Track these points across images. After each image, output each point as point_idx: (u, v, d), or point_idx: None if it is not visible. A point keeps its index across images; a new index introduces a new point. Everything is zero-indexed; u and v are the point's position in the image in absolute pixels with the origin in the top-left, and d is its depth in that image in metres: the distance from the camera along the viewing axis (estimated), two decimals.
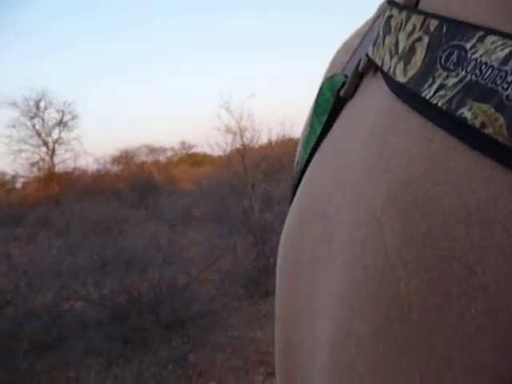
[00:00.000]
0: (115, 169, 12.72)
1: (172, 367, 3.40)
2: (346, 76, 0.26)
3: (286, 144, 10.57)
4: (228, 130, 6.71)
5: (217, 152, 8.08)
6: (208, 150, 11.56)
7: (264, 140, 8.21)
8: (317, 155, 0.27)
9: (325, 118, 0.26)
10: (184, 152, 17.20)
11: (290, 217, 0.28)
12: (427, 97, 0.17)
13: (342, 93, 0.25)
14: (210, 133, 13.26)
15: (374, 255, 0.17)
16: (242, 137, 6.71)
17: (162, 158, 14.43)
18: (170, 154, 15.55)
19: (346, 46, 0.31)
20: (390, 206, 0.17)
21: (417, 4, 0.21)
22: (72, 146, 12.37)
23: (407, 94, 0.18)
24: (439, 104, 0.16)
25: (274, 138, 8.57)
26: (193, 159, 16.71)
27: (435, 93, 0.17)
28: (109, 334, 3.62)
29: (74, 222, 6.72)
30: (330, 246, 0.21)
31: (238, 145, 7.18)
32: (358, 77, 0.24)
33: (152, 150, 13.81)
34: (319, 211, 0.23)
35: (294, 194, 0.31)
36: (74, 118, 12.53)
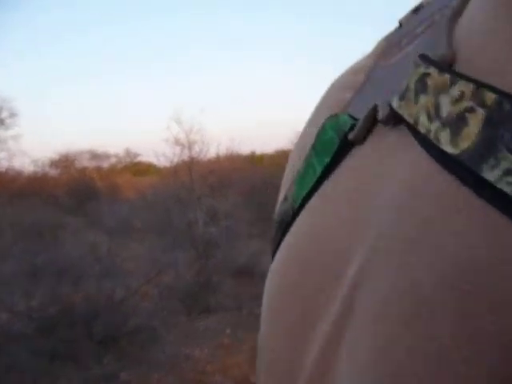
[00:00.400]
0: (53, 172, 12.11)
1: None
2: (352, 117, 0.25)
3: (235, 159, 10.61)
4: (177, 142, 6.62)
5: (163, 163, 7.93)
6: (153, 160, 11.34)
7: (212, 154, 8.18)
8: (319, 199, 0.25)
9: (327, 158, 0.25)
10: (128, 160, 16.75)
11: (284, 257, 0.26)
12: (490, 179, 0.16)
13: (350, 136, 0.24)
14: (157, 143, 13.02)
15: (423, 342, 0.16)
16: (190, 149, 6.64)
17: (104, 165, 13.95)
18: (113, 160, 15.07)
19: (342, 81, 0.30)
20: (446, 291, 0.16)
21: (451, 63, 0.20)
22: (8, 145, 11.63)
23: (459, 168, 0.17)
24: (509, 192, 0.15)
25: (222, 152, 8.56)
26: (137, 168, 16.29)
27: (501, 177, 0.16)
28: (35, 349, 3.38)
29: (5, 225, 6.29)
30: (349, 313, 0.19)
31: (185, 157, 7.10)
32: (371, 123, 0.23)
33: (94, 155, 13.30)
34: (332, 268, 0.21)
35: (282, 230, 0.29)
36: (12, 115, 11.82)
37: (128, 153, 15.76)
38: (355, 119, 0.25)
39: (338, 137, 0.25)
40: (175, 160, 7.06)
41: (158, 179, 10.61)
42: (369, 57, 0.29)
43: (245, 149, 17.78)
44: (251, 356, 3.57)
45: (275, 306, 0.25)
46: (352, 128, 0.24)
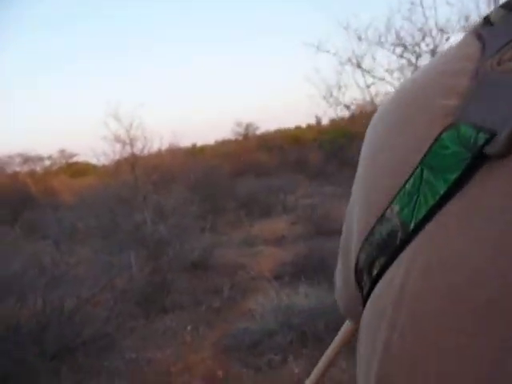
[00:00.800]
0: None
1: None
2: (477, 128, 0.23)
3: (177, 153, 10.41)
4: (117, 138, 6.36)
5: (102, 161, 7.60)
6: (91, 159, 10.85)
7: (155, 149, 7.94)
8: (448, 219, 0.23)
9: (453, 175, 0.23)
10: (64, 161, 15.92)
11: (428, 284, 0.23)
12: None
13: (489, 151, 0.22)
14: (95, 142, 12.47)
15: None
16: (132, 146, 6.40)
17: (38, 168, 13.18)
18: (47, 163, 14.27)
19: (438, 86, 0.27)
20: None
21: None
22: None
23: None
24: None
25: (165, 147, 8.35)
26: (74, 169, 15.54)
27: None
28: None
29: None
30: None
31: (127, 154, 6.84)
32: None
33: (27, 158, 12.53)
34: (489, 301, 0.20)
35: (389, 253, 0.26)
36: None
37: (63, 153, 14.97)
38: (480, 129, 0.23)
39: (469, 151, 0.23)
40: (116, 158, 6.80)
41: (98, 179, 10.18)
42: (463, 58, 0.27)
43: (186, 142, 17.54)
44: (215, 351, 3.54)
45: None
46: (487, 142, 0.22)
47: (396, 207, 0.26)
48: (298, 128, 24.22)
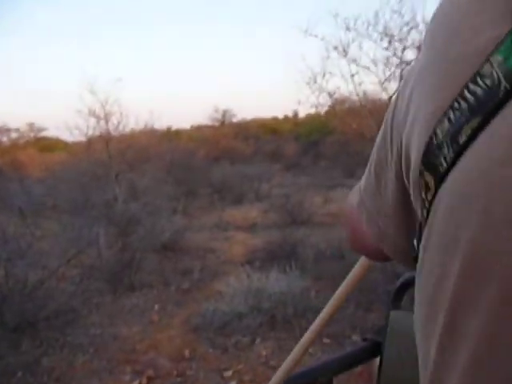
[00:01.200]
0: None
1: (22, 374, 2.98)
2: None
3: (154, 134, 10.22)
4: (91, 113, 6.17)
5: (75, 137, 7.37)
6: (61, 135, 10.54)
7: (130, 128, 7.76)
8: None
9: None
10: (32, 135, 15.40)
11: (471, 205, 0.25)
12: None
13: None
14: (67, 117, 12.10)
15: None
16: (107, 122, 6.23)
17: (5, 139, 12.70)
18: (14, 136, 13.78)
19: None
20: None
21: None
22: None
23: None
24: None
25: (141, 126, 8.18)
26: (42, 144, 15.06)
27: None
28: None
29: None
30: None
31: (100, 130, 6.66)
32: None
33: None
34: None
35: (487, 113, 0.26)
36: None
37: (31, 127, 14.49)
38: None
39: None
40: (89, 133, 6.61)
41: (69, 155, 9.91)
42: None
43: (161, 124, 17.24)
44: (183, 330, 3.52)
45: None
46: None
47: (497, 58, 0.25)
48: (274, 119, 24.27)
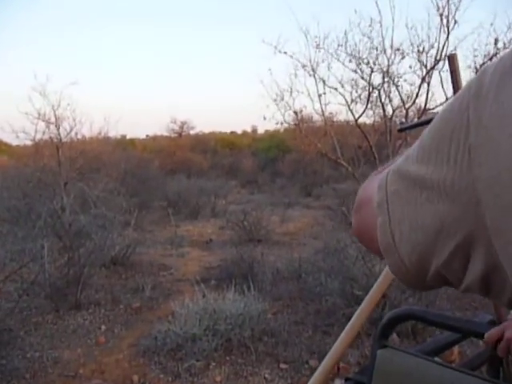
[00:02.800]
0: None
1: None
2: None
3: (107, 142, 9.88)
4: (41, 116, 5.87)
5: (21, 140, 6.95)
6: (6, 138, 9.97)
7: (83, 134, 7.44)
8: None
9: None
10: None
11: None
12: None
13: None
14: (12, 119, 11.51)
15: None
16: (58, 126, 5.94)
17: None
18: None
19: None
20: None
21: None
22: None
23: None
24: None
25: (94, 133, 7.87)
26: None
27: None
28: None
29: None
30: None
31: (50, 135, 6.33)
32: None
33: None
34: None
35: None
36: None
37: None
38: None
39: None
40: (37, 138, 6.26)
41: (13, 160, 9.39)
42: None
43: (116, 132, 16.80)
44: (132, 353, 3.33)
45: None
46: None
47: None
48: (233, 133, 24.33)
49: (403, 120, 4.31)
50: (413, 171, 0.35)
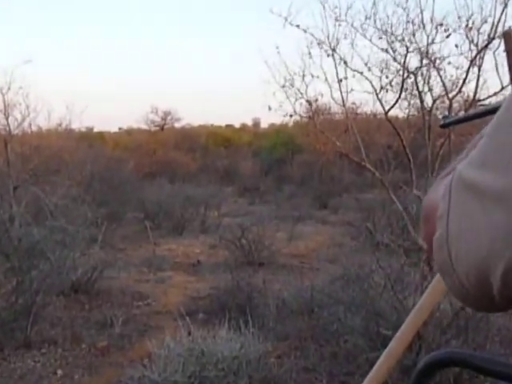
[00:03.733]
0: None
1: None
2: None
3: (70, 136, 9.95)
4: None
5: None
6: None
7: (38, 126, 7.49)
8: None
9: None
10: None
11: None
12: None
13: None
14: None
15: None
16: (7, 115, 5.98)
17: None
18: None
19: None
20: None
21: None
22: None
23: None
24: None
25: (54, 124, 7.92)
26: None
27: None
28: None
29: None
30: None
31: None
32: None
33: None
34: None
35: None
36: None
37: None
38: None
39: None
40: None
41: None
42: None
43: (81, 123, 16.90)
44: None
45: None
46: None
47: None
48: (229, 127, 24.47)
49: (446, 113, 4.32)
50: (475, 179, 0.37)
